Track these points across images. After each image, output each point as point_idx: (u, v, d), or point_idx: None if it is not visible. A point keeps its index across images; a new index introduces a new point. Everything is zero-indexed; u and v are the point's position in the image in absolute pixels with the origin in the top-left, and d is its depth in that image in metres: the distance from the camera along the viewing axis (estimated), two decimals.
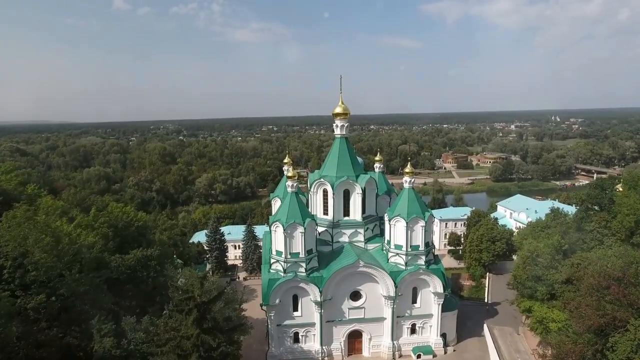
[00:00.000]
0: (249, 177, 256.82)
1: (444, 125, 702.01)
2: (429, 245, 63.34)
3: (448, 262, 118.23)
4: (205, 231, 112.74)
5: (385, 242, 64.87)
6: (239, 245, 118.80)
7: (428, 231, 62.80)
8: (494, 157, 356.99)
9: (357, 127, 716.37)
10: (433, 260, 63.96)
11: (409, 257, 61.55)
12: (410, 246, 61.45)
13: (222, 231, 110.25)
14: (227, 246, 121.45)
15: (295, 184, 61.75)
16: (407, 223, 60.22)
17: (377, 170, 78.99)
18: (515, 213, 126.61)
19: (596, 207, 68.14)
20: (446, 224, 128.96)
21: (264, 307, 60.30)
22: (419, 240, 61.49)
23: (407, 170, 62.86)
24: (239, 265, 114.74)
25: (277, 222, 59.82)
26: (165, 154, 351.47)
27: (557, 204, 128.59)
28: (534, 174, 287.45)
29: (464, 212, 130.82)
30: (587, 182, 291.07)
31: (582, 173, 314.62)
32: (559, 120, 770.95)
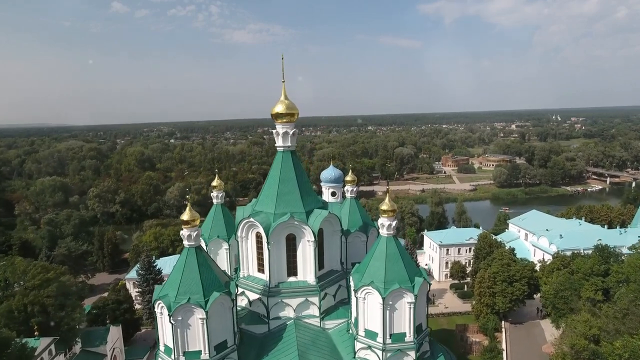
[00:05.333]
0: (228, 185, 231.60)
1: (443, 126, 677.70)
2: (422, 329, 38.62)
3: (450, 301, 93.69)
4: (136, 268, 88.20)
5: (352, 319, 40.30)
6: None
7: (421, 307, 38.13)
8: (497, 159, 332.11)
9: (354, 128, 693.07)
10: (429, 353, 39.19)
11: (389, 354, 36.83)
12: (391, 335, 36.80)
13: (157, 267, 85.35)
14: None
15: (195, 234, 36.97)
16: (383, 299, 35.58)
17: (348, 195, 54.47)
18: (534, 237, 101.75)
19: None
20: (447, 250, 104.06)
21: None
22: (404, 324, 36.86)
23: (384, 207, 38.10)
24: None
25: (161, 302, 35.13)
26: (143, 159, 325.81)
27: (586, 226, 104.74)
28: (542, 179, 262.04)
29: (469, 234, 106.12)
30: (601, 187, 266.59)
31: (594, 177, 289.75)
32: (559, 119, 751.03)
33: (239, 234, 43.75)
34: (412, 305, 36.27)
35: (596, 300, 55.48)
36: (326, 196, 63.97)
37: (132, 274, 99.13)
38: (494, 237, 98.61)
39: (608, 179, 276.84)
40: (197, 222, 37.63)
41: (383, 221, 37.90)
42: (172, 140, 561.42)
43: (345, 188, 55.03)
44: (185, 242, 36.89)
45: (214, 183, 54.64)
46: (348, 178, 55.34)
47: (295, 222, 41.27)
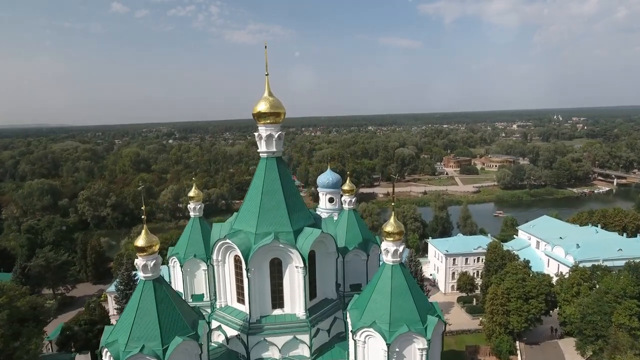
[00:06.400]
0: (223, 187, 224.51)
1: (444, 126, 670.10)
2: None
3: (458, 317, 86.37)
4: (115, 282, 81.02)
5: None
6: None
7: (434, 352, 30.85)
8: (500, 160, 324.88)
9: (354, 128, 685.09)
10: None
11: None
12: None
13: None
14: None
15: (152, 263, 29.85)
16: (389, 345, 28.36)
17: (345, 206, 47.15)
18: (547, 245, 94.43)
19: None
20: (454, 259, 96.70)
21: None
22: None
23: (389, 229, 30.74)
24: None
25: (107, 350, 27.96)
26: (138, 161, 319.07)
27: (603, 233, 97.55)
28: (547, 180, 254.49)
29: (477, 243, 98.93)
30: (607, 188, 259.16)
31: (600, 178, 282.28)
32: (561, 119, 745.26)
33: (214, 257, 36.67)
34: (424, 353, 29.08)
35: (630, 327, 48.43)
36: (323, 202, 57.30)
37: (114, 287, 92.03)
38: (503, 246, 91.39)
39: (615, 180, 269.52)
40: (156, 249, 30.49)
41: (387, 246, 30.63)
42: (170, 141, 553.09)
43: (343, 198, 47.78)
44: (141, 274, 29.84)
45: (191, 194, 47.44)
46: (345, 187, 48.07)
47: (281, 245, 34.12)
